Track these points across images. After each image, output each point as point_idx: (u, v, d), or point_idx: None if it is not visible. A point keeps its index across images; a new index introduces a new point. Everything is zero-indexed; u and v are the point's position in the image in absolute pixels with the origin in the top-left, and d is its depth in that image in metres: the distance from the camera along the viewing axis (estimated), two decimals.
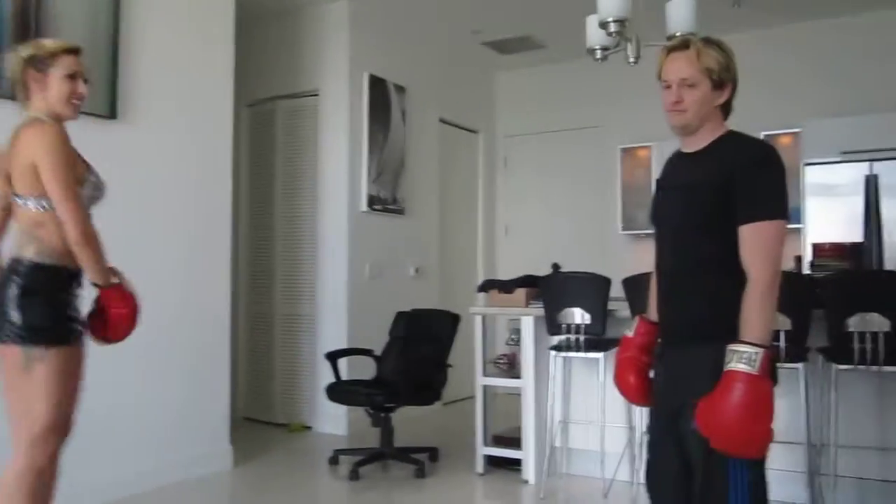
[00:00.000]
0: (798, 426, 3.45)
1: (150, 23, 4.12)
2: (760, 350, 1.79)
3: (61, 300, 2.35)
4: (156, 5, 4.16)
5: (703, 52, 1.97)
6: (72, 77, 2.38)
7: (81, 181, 2.38)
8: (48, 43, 2.41)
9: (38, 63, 2.35)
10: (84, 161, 2.46)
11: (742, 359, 1.79)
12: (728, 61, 1.99)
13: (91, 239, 2.35)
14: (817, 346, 3.48)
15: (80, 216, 2.31)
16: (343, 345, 5.35)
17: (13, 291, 2.28)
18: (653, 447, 2.15)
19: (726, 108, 2.04)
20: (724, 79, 1.99)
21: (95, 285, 2.41)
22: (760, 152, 1.95)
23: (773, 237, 1.87)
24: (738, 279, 1.88)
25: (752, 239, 1.87)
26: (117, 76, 3.88)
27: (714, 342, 1.88)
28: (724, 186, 1.91)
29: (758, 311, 1.84)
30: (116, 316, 2.42)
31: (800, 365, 3.35)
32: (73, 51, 2.41)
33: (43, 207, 2.33)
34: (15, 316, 2.27)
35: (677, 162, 2.15)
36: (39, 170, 2.28)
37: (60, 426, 2.35)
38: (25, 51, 2.38)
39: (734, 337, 1.84)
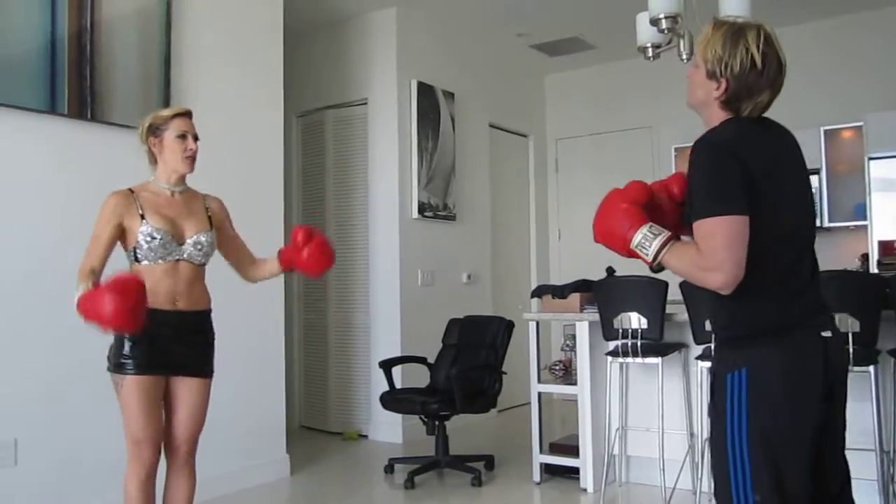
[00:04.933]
0: (868, 432, 3.31)
1: (200, 37, 4.18)
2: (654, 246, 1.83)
3: (121, 335, 2.58)
4: (206, 20, 4.23)
5: (708, 39, 1.87)
6: (182, 137, 2.69)
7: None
8: (163, 112, 2.75)
9: (156, 130, 2.69)
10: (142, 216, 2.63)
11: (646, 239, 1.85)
12: (727, 57, 1.83)
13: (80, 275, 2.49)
14: (888, 348, 3.33)
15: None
16: (397, 353, 5.35)
17: None
18: None
19: (733, 106, 1.87)
20: (716, 72, 1.84)
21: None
22: (693, 148, 1.85)
23: (706, 234, 1.76)
24: (740, 290, 1.76)
25: (696, 237, 1.81)
26: (170, 91, 3.94)
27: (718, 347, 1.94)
28: None
29: (680, 257, 1.82)
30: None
31: (870, 368, 3.21)
32: (182, 114, 2.73)
33: (129, 260, 2.66)
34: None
35: None
36: None
37: (139, 444, 2.58)
38: (147, 121, 2.71)
39: (733, 344, 1.86)
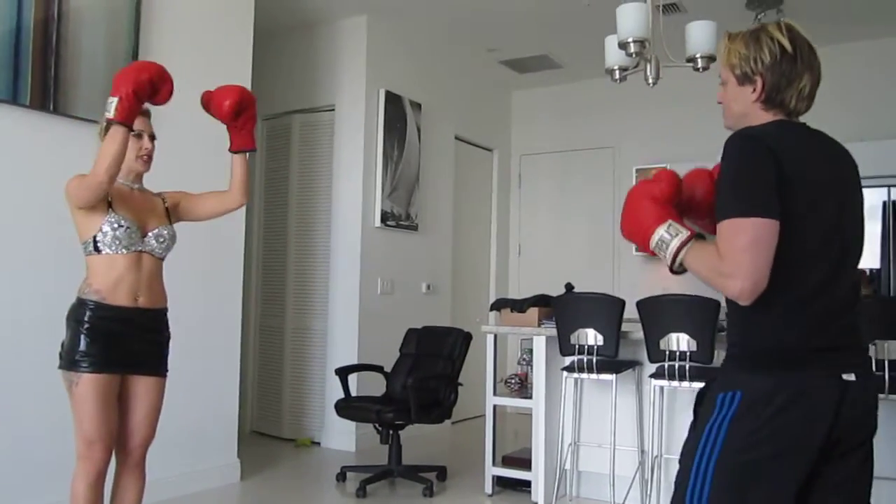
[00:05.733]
0: None
1: (168, 37, 4.14)
2: (674, 242, 1.69)
3: (77, 332, 2.56)
4: (176, 15, 4.19)
5: (729, 48, 1.78)
6: (138, 136, 2.68)
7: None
8: None
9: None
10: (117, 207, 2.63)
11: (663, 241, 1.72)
12: (754, 52, 1.71)
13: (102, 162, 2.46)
14: None
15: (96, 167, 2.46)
16: (353, 360, 5.33)
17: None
18: None
19: (775, 102, 1.74)
20: (747, 72, 1.73)
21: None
22: (727, 141, 1.69)
23: (727, 235, 1.58)
24: (758, 306, 1.58)
25: (717, 238, 1.65)
26: None
27: (724, 363, 1.76)
28: None
29: (700, 259, 1.65)
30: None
31: None
32: (140, 113, 2.67)
33: (87, 252, 2.60)
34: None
35: None
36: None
37: (91, 445, 2.52)
38: (103, 120, 2.62)
39: (738, 363, 1.69)
